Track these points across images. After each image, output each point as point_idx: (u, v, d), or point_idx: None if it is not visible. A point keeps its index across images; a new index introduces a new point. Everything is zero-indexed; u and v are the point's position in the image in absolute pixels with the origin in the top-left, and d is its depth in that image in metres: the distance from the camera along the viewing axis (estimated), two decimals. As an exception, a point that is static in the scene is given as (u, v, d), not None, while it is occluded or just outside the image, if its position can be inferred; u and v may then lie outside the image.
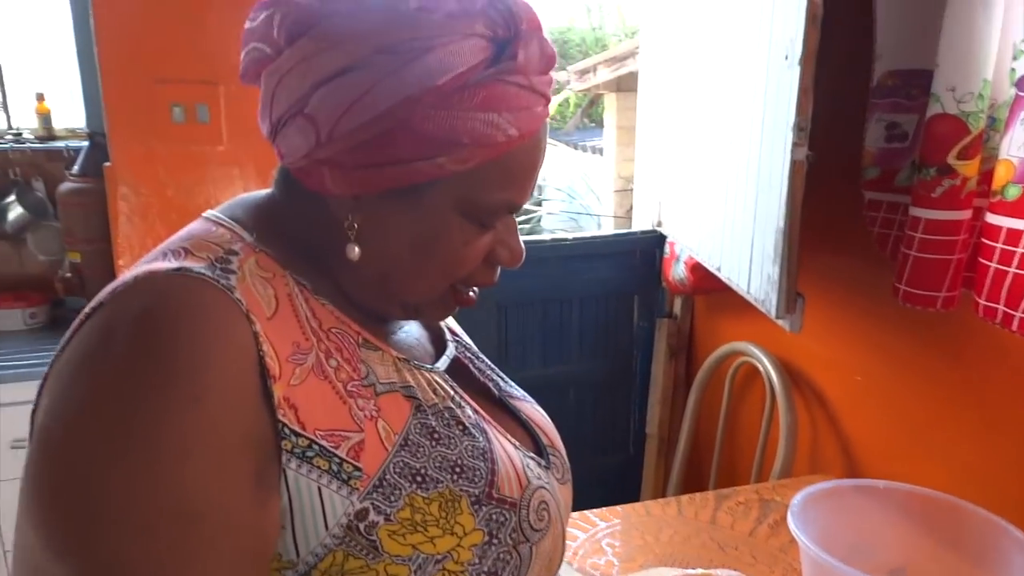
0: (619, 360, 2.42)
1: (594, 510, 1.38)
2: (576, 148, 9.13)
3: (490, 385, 0.74)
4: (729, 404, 2.04)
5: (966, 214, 1.18)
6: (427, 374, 0.64)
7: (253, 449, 0.50)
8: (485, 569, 0.57)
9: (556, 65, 0.60)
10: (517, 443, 0.68)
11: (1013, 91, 1.13)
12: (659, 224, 2.26)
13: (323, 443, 0.53)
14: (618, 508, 1.40)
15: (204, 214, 0.63)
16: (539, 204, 10.21)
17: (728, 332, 2.14)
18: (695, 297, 2.32)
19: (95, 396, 0.47)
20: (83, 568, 0.45)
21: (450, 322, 0.80)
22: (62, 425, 0.48)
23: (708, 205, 1.79)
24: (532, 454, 0.69)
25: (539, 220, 9.37)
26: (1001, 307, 1.14)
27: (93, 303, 0.52)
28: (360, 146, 0.55)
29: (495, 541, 0.58)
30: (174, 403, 0.47)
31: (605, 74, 5.62)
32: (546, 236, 2.40)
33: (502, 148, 0.56)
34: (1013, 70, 1.14)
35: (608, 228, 6.31)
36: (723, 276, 1.67)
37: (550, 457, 0.71)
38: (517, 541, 0.60)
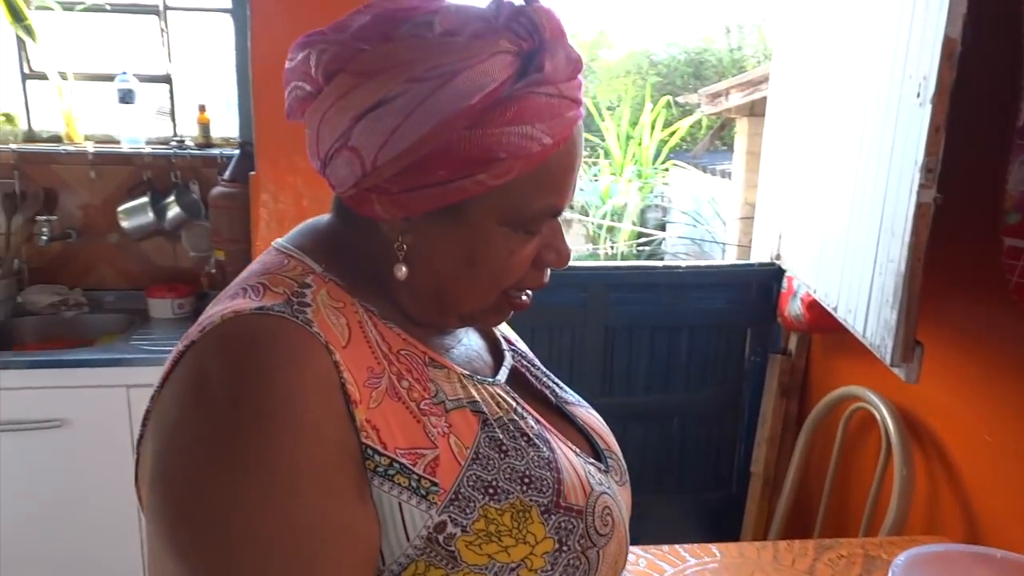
0: (727, 394, 2.36)
1: (686, 545, 1.36)
2: (705, 171, 8.96)
3: (547, 392, 0.76)
4: (841, 450, 1.94)
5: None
6: (490, 388, 0.67)
7: (351, 467, 0.55)
8: (557, 575, 0.60)
9: (583, 68, 0.62)
10: (578, 450, 0.70)
11: None
12: (778, 257, 2.20)
13: (403, 461, 0.57)
14: (711, 546, 1.37)
15: (274, 244, 0.68)
16: (663, 228, 10.07)
17: (845, 374, 2.04)
18: (812, 335, 2.23)
19: (202, 440, 0.52)
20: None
21: (505, 330, 0.83)
22: (182, 455, 0.53)
23: (828, 241, 1.73)
24: (591, 459, 0.71)
25: (660, 243, 9.25)
26: None
27: (185, 340, 0.57)
28: (403, 172, 0.58)
29: (565, 548, 0.61)
30: (277, 433, 0.52)
31: (737, 98, 5.51)
32: (658, 263, 2.39)
33: (538, 158, 0.59)
34: None
35: (731, 255, 6.15)
36: (839, 316, 1.61)
37: (608, 460, 0.73)
38: (585, 547, 0.62)
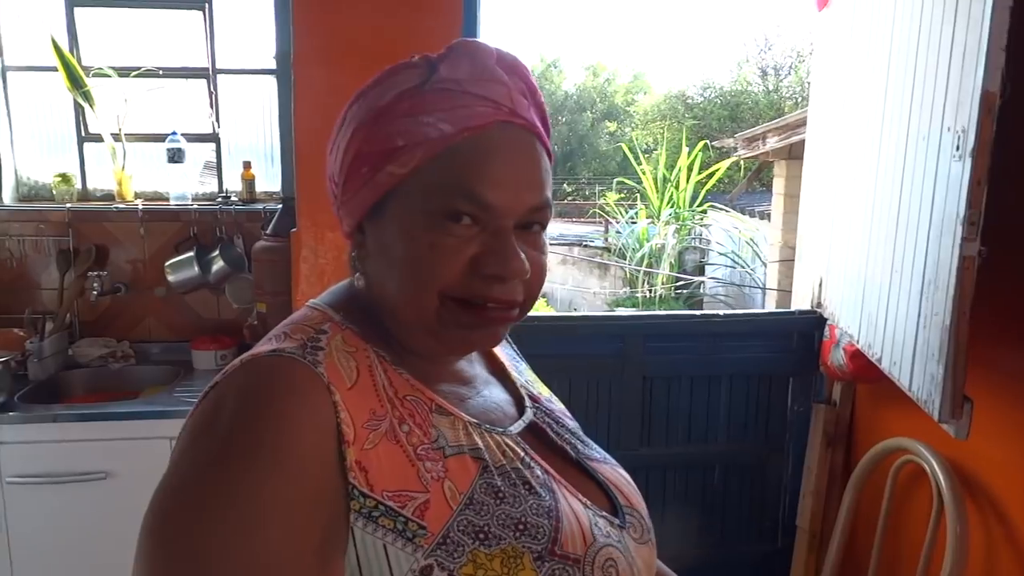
0: (770, 445, 2.30)
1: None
2: (743, 213, 8.90)
3: (567, 448, 0.76)
4: (890, 505, 1.88)
5: None
6: (498, 437, 0.68)
7: (324, 511, 0.55)
8: None
9: (502, 75, 0.65)
10: (588, 502, 0.69)
11: None
12: (819, 305, 2.17)
13: (389, 503, 0.57)
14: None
15: (307, 303, 0.72)
16: (701, 270, 9.99)
17: (893, 425, 1.98)
18: (857, 385, 2.18)
19: (199, 461, 0.55)
20: None
21: (534, 388, 0.83)
22: (184, 474, 0.55)
23: (870, 291, 1.70)
24: (605, 513, 0.70)
25: (699, 286, 9.17)
26: None
27: (211, 382, 0.61)
28: (345, 181, 0.67)
29: None
30: (258, 470, 0.53)
31: (774, 142, 5.50)
32: (696, 312, 2.36)
33: (438, 143, 0.63)
34: None
35: (771, 298, 6.07)
36: (884, 368, 1.57)
37: (626, 517, 0.72)
38: None
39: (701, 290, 9.29)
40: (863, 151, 1.80)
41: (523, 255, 0.64)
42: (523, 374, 0.86)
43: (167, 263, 2.51)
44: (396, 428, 0.61)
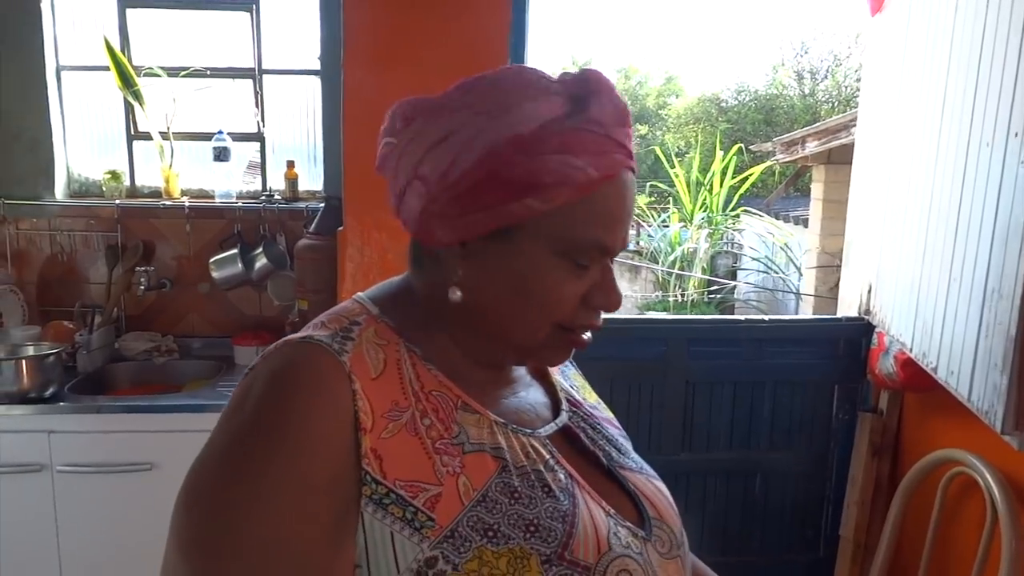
0: (814, 453, 2.27)
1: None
2: (778, 218, 8.79)
3: (599, 454, 0.75)
4: (940, 518, 1.84)
5: None
6: (524, 438, 0.68)
7: (337, 493, 0.58)
8: None
9: (631, 120, 0.67)
10: (612, 511, 0.69)
11: None
12: (867, 312, 2.13)
13: (400, 492, 0.59)
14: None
15: (354, 296, 0.74)
16: (733, 275, 9.89)
17: (944, 436, 1.94)
18: (905, 394, 2.14)
19: (226, 438, 0.59)
20: (188, 561, 0.56)
21: (576, 393, 0.83)
22: (213, 450, 0.60)
23: (926, 298, 1.67)
24: (629, 524, 0.69)
25: (732, 291, 9.08)
26: None
27: (251, 364, 0.65)
28: (461, 195, 0.63)
29: None
30: (274, 450, 0.57)
31: (813, 146, 5.42)
32: (740, 317, 2.33)
33: (584, 188, 0.63)
34: None
35: (807, 304, 5.98)
36: (940, 378, 1.54)
37: (653, 529, 0.71)
38: None
39: (733, 295, 9.19)
40: (919, 156, 1.77)
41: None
42: (569, 379, 0.86)
43: (211, 260, 2.55)
44: (417, 421, 0.63)
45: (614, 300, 0.68)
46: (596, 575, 0.62)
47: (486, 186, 0.62)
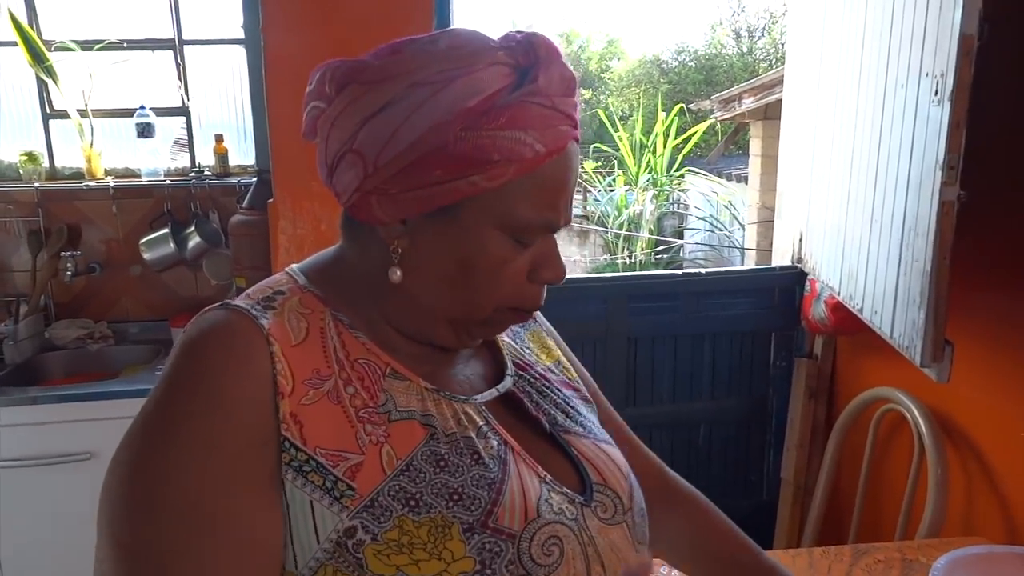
0: (754, 400, 2.33)
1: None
2: (721, 176, 8.92)
3: (543, 419, 0.74)
4: (872, 453, 1.91)
5: None
6: (457, 404, 0.67)
7: (257, 453, 0.57)
8: None
9: (578, 88, 0.64)
10: (549, 477, 0.67)
11: None
12: (799, 260, 2.18)
13: (320, 460, 0.58)
14: (743, 555, 1.34)
15: (285, 268, 0.72)
16: (680, 235, 10.03)
17: (873, 376, 2.01)
18: (838, 338, 2.20)
19: (148, 404, 0.59)
20: (110, 543, 0.56)
21: (530, 357, 0.81)
22: (136, 422, 0.59)
23: (850, 242, 1.71)
24: (566, 489, 0.68)
25: (679, 251, 9.21)
26: None
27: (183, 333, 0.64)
28: (402, 172, 0.61)
29: (488, 571, 0.58)
30: (189, 413, 0.57)
31: (750, 103, 5.49)
32: (678, 271, 2.37)
33: (531, 164, 0.61)
34: None
35: (751, 259, 6.11)
36: (865, 318, 1.59)
37: (595, 494, 0.69)
38: (515, 574, 0.59)
39: (680, 254, 9.33)
40: (841, 105, 1.80)
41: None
42: (522, 340, 0.84)
43: (142, 241, 2.47)
44: (340, 389, 0.62)
45: (559, 273, 0.68)
46: (522, 542, 0.61)
47: (429, 162, 0.60)
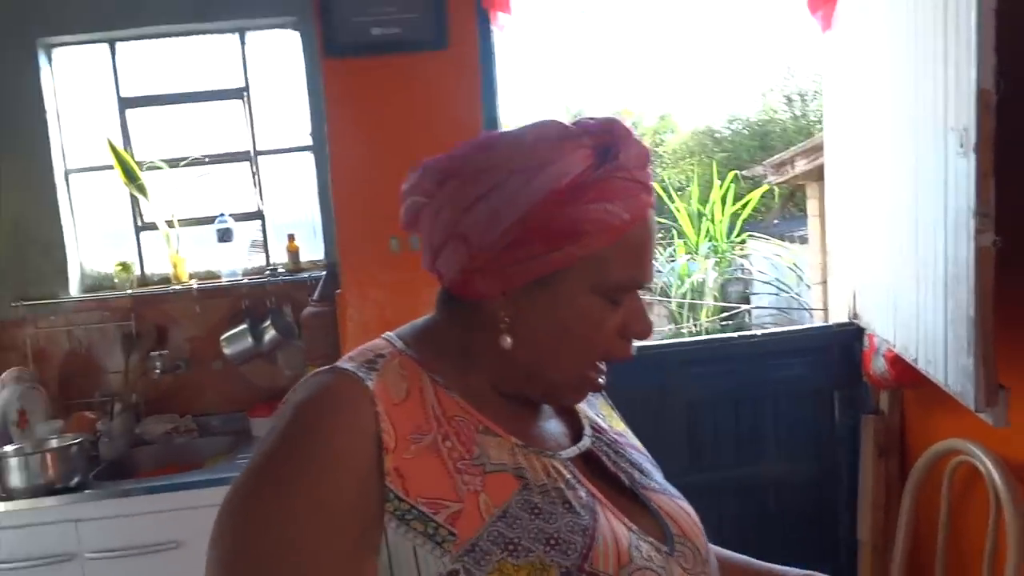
0: (822, 460, 2.29)
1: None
2: (783, 239, 8.84)
3: (622, 476, 0.78)
4: (949, 508, 1.85)
5: None
6: (544, 459, 0.71)
7: (361, 508, 0.62)
8: None
9: (651, 159, 0.72)
10: (635, 527, 0.71)
11: None
12: (855, 316, 2.18)
13: (422, 508, 0.63)
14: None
15: (383, 335, 0.79)
16: (746, 300, 9.89)
17: (944, 428, 1.96)
18: (903, 391, 2.17)
19: (257, 460, 0.64)
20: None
21: (604, 422, 0.86)
22: (247, 475, 0.64)
23: (901, 294, 1.72)
24: (652, 539, 0.71)
25: (745, 316, 9.07)
26: None
27: (287, 396, 0.70)
28: (504, 250, 0.68)
29: None
30: (303, 469, 0.62)
31: (803, 165, 5.51)
32: (734, 334, 2.39)
33: (619, 231, 0.68)
34: None
35: (819, 318, 5.98)
36: (920, 367, 1.59)
37: (676, 545, 0.73)
38: None
39: (747, 320, 9.18)
40: (878, 162, 1.85)
41: None
42: (595, 407, 0.88)
43: (222, 337, 2.64)
44: (439, 443, 0.67)
45: (647, 326, 0.73)
46: None
47: (529, 240, 0.67)
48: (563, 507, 0.67)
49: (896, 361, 1.89)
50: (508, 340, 0.71)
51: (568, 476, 0.71)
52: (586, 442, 0.78)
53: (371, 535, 0.62)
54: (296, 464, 0.62)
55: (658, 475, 0.84)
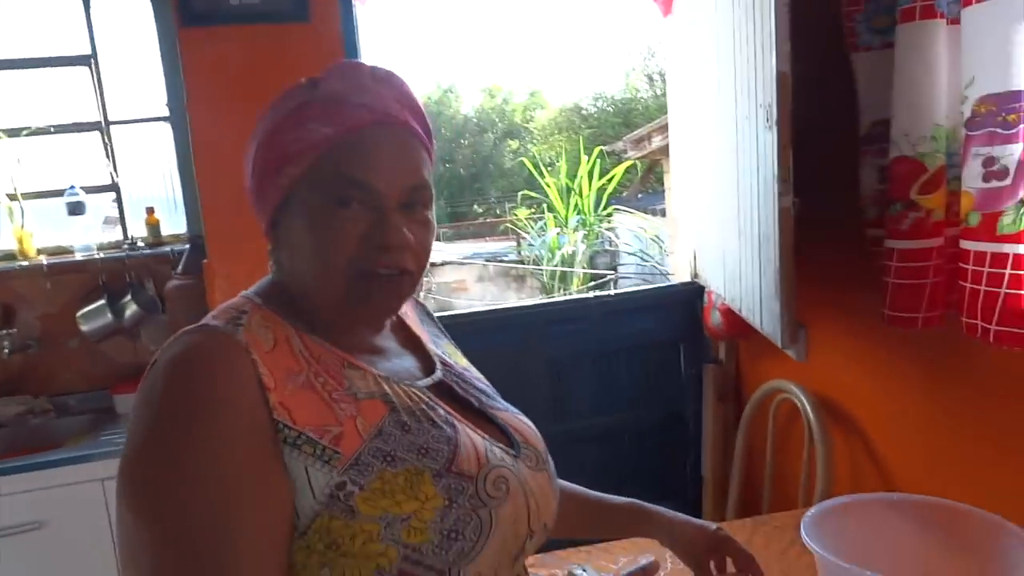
0: (670, 407, 2.54)
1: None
2: (647, 212, 9.33)
3: (471, 399, 0.91)
4: (775, 440, 2.12)
5: (935, 242, 1.30)
6: (405, 387, 0.81)
7: (262, 436, 0.69)
8: (447, 527, 0.71)
9: (386, 85, 0.80)
10: (487, 436, 0.83)
11: (964, 131, 1.27)
12: (696, 275, 2.42)
13: (309, 434, 0.71)
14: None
15: (240, 293, 0.86)
16: (614, 269, 10.36)
17: (770, 372, 2.23)
18: (739, 342, 2.43)
19: (150, 425, 0.68)
20: (159, 524, 0.65)
21: (450, 359, 0.98)
22: (138, 438, 0.68)
23: (728, 253, 1.95)
24: (502, 445, 0.84)
25: (612, 284, 9.51)
26: (979, 323, 1.25)
27: (152, 359, 0.73)
28: (255, 192, 0.81)
29: (455, 505, 0.73)
30: (200, 413, 0.67)
31: (658, 141, 5.86)
32: (590, 294, 2.57)
33: (323, 143, 0.77)
34: (962, 113, 1.28)
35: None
36: (744, 315, 1.81)
37: (521, 450, 0.87)
38: (476, 506, 0.74)
39: (614, 288, 9.62)
40: (710, 137, 2.06)
41: (405, 229, 0.78)
42: (441, 347, 1.00)
43: (78, 314, 2.54)
44: (312, 380, 0.75)
45: (393, 238, 0.77)
46: (479, 481, 0.76)
47: (261, 172, 0.79)
48: (428, 424, 0.78)
49: (728, 313, 2.12)
50: (272, 267, 0.83)
51: (428, 400, 0.82)
52: (438, 374, 0.90)
53: (273, 458, 0.69)
54: (188, 408, 0.67)
55: (500, 399, 0.97)
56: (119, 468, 0.69)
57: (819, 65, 1.63)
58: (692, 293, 2.47)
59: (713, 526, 1.10)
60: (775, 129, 1.46)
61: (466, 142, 21.04)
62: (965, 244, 1.26)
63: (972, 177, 1.23)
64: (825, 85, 1.65)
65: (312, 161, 0.77)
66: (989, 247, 1.20)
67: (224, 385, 0.69)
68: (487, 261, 11.56)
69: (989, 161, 1.20)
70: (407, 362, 0.90)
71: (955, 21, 1.28)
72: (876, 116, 1.55)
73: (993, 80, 1.15)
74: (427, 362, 0.93)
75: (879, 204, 1.55)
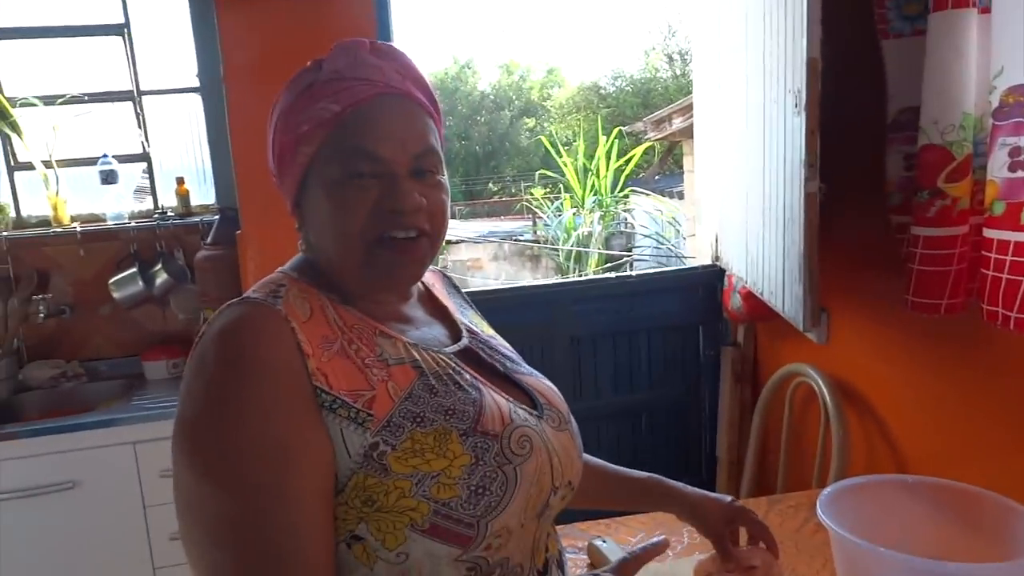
0: (687, 387, 2.58)
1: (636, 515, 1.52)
2: (663, 194, 9.31)
3: (497, 364, 0.95)
4: (790, 422, 2.15)
5: (960, 230, 1.32)
6: (433, 353, 0.86)
7: (305, 400, 0.74)
8: (474, 483, 0.76)
9: (388, 52, 0.86)
10: (511, 398, 0.87)
11: (991, 121, 1.29)
12: (717, 258, 2.44)
13: (344, 398, 0.75)
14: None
15: (276, 270, 0.91)
16: (629, 251, 10.37)
17: (788, 356, 2.26)
18: (757, 325, 2.46)
19: (206, 383, 0.73)
20: (220, 482, 0.71)
21: (476, 328, 1.02)
22: (194, 403, 0.73)
23: (751, 237, 1.97)
24: (524, 406, 0.88)
25: (627, 266, 9.53)
26: (1000, 310, 1.27)
27: (200, 331, 0.78)
28: (278, 173, 0.86)
29: (481, 462, 0.77)
30: (251, 379, 0.72)
31: (679, 122, 5.84)
32: (612, 275, 2.61)
33: (332, 121, 0.81)
34: (990, 102, 1.30)
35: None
36: (765, 299, 1.84)
37: (544, 411, 0.90)
38: (501, 463, 0.78)
39: (630, 270, 9.63)
40: (737, 120, 2.07)
41: (416, 193, 0.82)
42: (468, 317, 1.04)
43: (111, 281, 2.61)
44: (346, 347, 0.80)
45: (405, 201, 0.81)
46: (503, 439, 0.80)
47: (280, 154, 0.84)
48: (454, 387, 0.83)
49: (749, 297, 2.15)
50: (303, 245, 0.87)
51: (454, 365, 0.87)
52: (464, 341, 0.94)
53: (317, 421, 0.74)
54: (239, 373, 0.72)
55: (524, 364, 1.01)
56: (175, 433, 0.75)
57: (847, 51, 1.64)
58: (712, 276, 2.50)
59: (728, 498, 1.14)
60: (803, 114, 1.48)
61: (482, 119, 20.98)
62: (988, 232, 1.28)
63: (998, 166, 1.25)
64: (853, 71, 1.66)
65: (323, 139, 0.82)
66: (1013, 236, 1.22)
67: (270, 351, 0.73)
68: (502, 240, 11.59)
69: (1015, 151, 1.22)
70: (435, 330, 0.95)
71: (986, 10, 1.29)
72: (903, 104, 1.56)
73: (1022, 71, 1.17)
74: (454, 330, 0.98)
75: (904, 191, 1.57)
